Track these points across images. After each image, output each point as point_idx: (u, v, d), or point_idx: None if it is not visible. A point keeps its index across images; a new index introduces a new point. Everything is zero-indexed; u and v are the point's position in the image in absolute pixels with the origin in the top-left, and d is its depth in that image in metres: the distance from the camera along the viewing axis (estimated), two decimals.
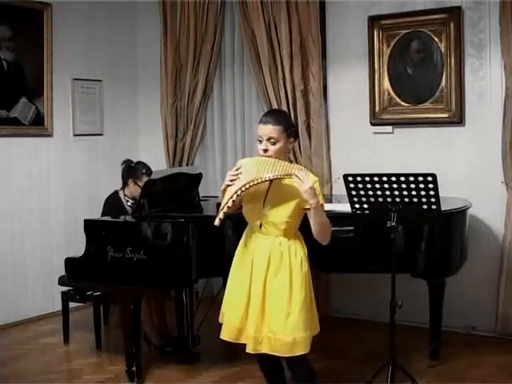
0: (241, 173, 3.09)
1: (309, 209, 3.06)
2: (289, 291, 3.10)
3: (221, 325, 3.31)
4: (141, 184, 4.67)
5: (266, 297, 3.13)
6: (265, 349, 3.12)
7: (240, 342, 3.19)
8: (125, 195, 4.81)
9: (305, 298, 3.12)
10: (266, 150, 3.13)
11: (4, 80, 5.33)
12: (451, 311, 4.68)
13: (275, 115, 3.24)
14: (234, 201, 3.07)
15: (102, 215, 4.68)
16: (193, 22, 5.89)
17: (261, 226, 3.17)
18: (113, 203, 4.77)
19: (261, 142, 3.16)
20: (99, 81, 6.07)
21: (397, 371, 3.69)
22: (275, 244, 3.14)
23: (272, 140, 3.12)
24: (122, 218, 4.47)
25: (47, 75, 5.58)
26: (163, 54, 6.07)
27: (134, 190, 4.75)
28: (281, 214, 3.13)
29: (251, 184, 3.06)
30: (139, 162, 4.85)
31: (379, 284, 4.56)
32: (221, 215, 3.09)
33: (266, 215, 3.14)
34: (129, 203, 4.79)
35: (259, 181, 3.06)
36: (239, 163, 3.16)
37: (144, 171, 4.75)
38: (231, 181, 3.09)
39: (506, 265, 4.75)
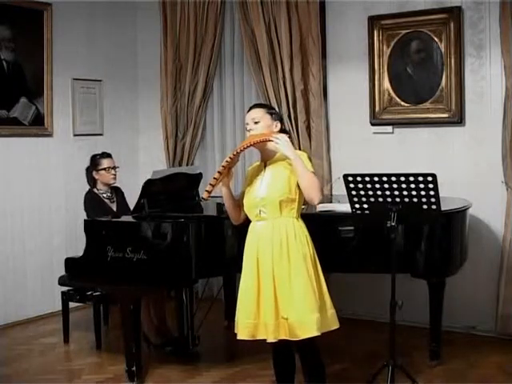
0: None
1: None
2: (288, 274, 3.18)
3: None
4: (103, 167, 4.83)
5: (276, 284, 3.20)
6: (282, 335, 3.17)
7: (257, 338, 3.24)
8: (98, 190, 4.87)
9: (308, 279, 3.19)
10: (250, 130, 3.33)
11: (4, 80, 5.33)
12: (451, 311, 4.68)
13: (258, 103, 3.61)
14: (220, 172, 3.26)
15: (88, 216, 4.68)
16: (193, 22, 5.89)
17: (260, 213, 3.27)
18: (91, 200, 4.81)
19: (247, 129, 3.37)
20: (99, 81, 6.07)
21: (397, 371, 3.69)
22: (275, 231, 3.23)
23: (255, 120, 3.32)
24: (113, 217, 4.47)
25: (47, 75, 5.58)
26: (163, 53, 6.07)
27: (101, 177, 4.85)
28: (275, 191, 3.24)
29: (234, 154, 3.27)
30: (92, 155, 4.95)
31: (379, 284, 4.56)
32: (208, 187, 3.28)
33: (263, 198, 3.26)
34: (105, 195, 4.87)
35: (238, 150, 3.27)
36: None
37: (98, 156, 4.89)
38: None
39: (506, 265, 4.75)
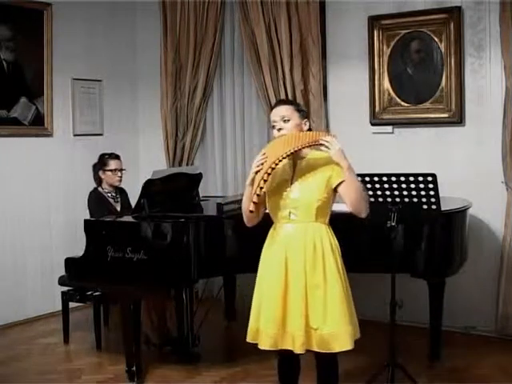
0: (267, 157, 2.99)
1: (339, 185, 3.01)
2: (324, 283, 2.99)
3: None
4: (110, 168, 4.85)
5: (308, 293, 2.99)
6: (313, 346, 2.99)
7: (280, 348, 3.03)
8: (103, 189, 4.88)
9: (343, 290, 3.02)
10: (280, 129, 3.08)
11: (4, 80, 5.33)
12: (451, 311, 4.68)
13: (284, 99, 3.32)
14: (265, 180, 2.96)
15: (91, 214, 4.70)
16: (193, 22, 5.89)
17: (290, 215, 3.05)
18: (96, 198, 4.84)
19: (274, 127, 3.12)
20: (99, 81, 6.07)
21: (397, 371, 3.69)
22: (308, 236, 3.02)
23: (285, 118, 3.08)
24: (117, 218, 4.47)
25: (47, 75, 5.58)
26: (163, 54, 6.07)
27: (107, 178, 4.88)
28: (311, 193, 3.03)
29: (281, 158, 2.96)
30: (101, 154, 4.96)
31: (379, 284, 4.56)
32: (254, 198, 2.95)
33: (295, 199, 3.04)
34: (109, 195, 4.88)
35: (288, 153, 2.96)
36: (263, 150, 3.07)
37: (107, 156, 4.89)
38: (258, 166, 2.99)
39: (506, 265, 4.75)
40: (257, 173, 2.99)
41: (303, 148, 3.01)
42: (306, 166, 3.09)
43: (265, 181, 2.96)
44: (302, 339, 2.97)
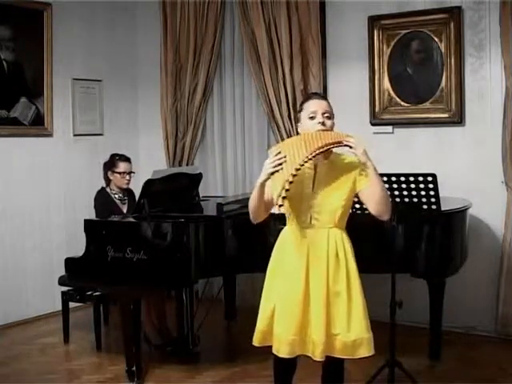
0: (285, 155, 2.79)
1: (362, 189, 2.93)
2: (347, 290, 2.92)
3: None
4: (118, 171, 4.80)
5: (330, 299, 2.92)
6: (335, 352, 2.94)
7: (298, 354, 2.97)
8: (111, 189, 4.85)
9: (364, 297, 2.97)
10: (323, 124, 2.94)
11: (4, 80, 5.33)
12: (451, 311, 4.68)
13: (322, 94, 3.13)
14: (291, 182, 2.74)
15: (96, 214, 4.69)
16: (193, 22, 5.89)
17: (311, 219, 2.94)
18: (103, 198, 4.80)
19: (312, 118, 2.96)
20: (99, 81, 6.07)
21: (397, 371, 3.69)
22: (331, 242, 2.93)
23: (327, 115, 2.96)
24: (123, 218, 4.47)
25: (47, 75, 5.58)
26: (163, 54, 6.07)
27: (115, 180, 4.83)
28: (336, 199, 2.93)
29: (310, 156, 2.78)
30: (112, 154, 4.92)
31: (379, 284, 4.56)
32: (280, 201, 2.75)
33: (318, 203, 2.93)
34: (117, 196, 4.84)
35: (318, 152, 2.79)
36: (274, 149, 2.86)
37: (117, 158, 4.85)
38: (275, 166, 2.78)
39: (506, 265, 4.75)
40: (273, 173, 2.80)
41: (330, 148, 2.87)
42: (328, 168, 2.97)
43: (290, 182, 2.75)
44: (323, 347, 2.90)
